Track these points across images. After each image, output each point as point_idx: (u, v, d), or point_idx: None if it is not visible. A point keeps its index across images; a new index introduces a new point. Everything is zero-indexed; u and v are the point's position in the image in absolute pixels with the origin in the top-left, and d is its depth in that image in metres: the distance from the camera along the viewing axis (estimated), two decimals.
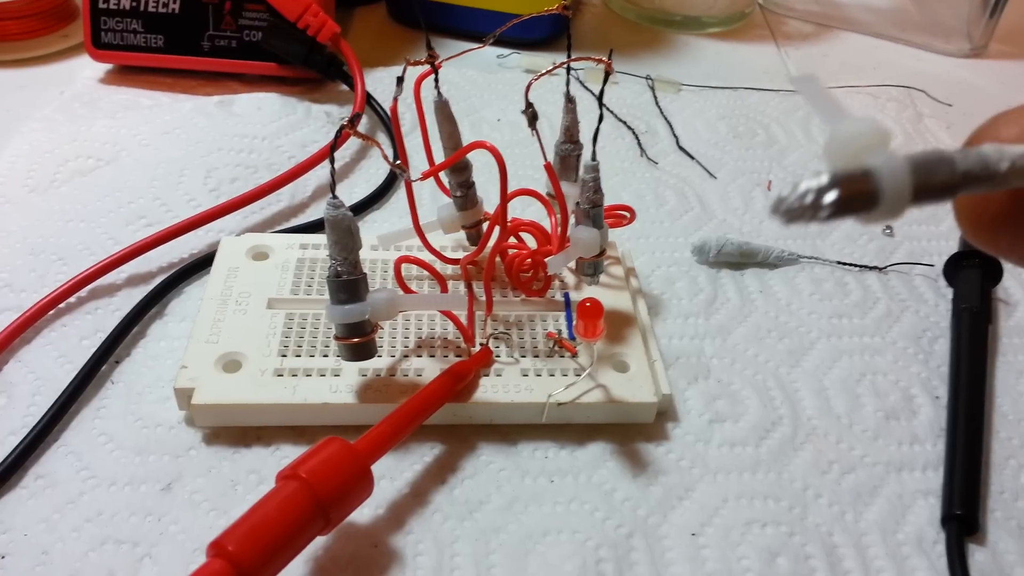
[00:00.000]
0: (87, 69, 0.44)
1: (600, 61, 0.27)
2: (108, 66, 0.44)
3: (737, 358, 0.31)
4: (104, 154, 0.38)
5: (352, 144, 0.41)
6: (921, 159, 0.14)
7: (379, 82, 0.45)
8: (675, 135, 0.44)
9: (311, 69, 0.42)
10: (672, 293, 0.34)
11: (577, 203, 0.28)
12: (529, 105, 0.27)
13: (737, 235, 0.38)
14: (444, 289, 0.28)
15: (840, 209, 0.13)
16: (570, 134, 0.31)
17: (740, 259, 0.36)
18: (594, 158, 0.28)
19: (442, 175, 0.31)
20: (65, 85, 0.43)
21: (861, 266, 0.36)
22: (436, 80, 0.28)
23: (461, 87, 0.46)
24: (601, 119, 0.27)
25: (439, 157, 0.30)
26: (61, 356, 0.29)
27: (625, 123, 0.45)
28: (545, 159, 0.27)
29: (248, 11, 0.42)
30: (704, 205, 0.39)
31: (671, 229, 0.38)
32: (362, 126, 0.41)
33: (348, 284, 0.25)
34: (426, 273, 0.30)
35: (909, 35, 0.56)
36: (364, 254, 0.32)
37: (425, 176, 0.28)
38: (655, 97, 0.47)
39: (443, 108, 0.28)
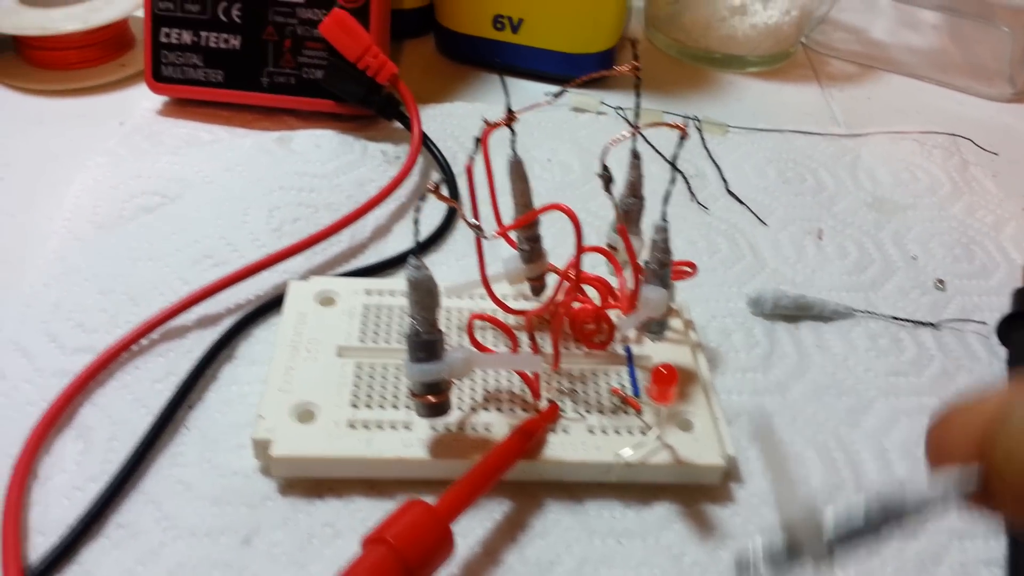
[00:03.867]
0: (145, 100, 0.45)
1: (677, 127, 0.27)
2: (165, 97, 0.45)
3: (797, 416, 0.32)
4: (169, 191, 0.38)
5: (408, 184, 0.41)
6: (844, 532, 0.17)
7: (431, 119, 0.46)
8: (724, 179, 0.44)
9: (369, 108, 0.42)
10: (729, 345, 0.34)
11: (645, 262, 0.29)
12: (605, 169, 0.27)
13: (790, 285, 0.38)
14: (515, 346, 0.28)
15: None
16: (634, 189, 0.32)
17: (796, 312, 0.36)
18: (664, 219, 0.28)
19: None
20: (124, 115, 0.44)
21: (915, 322, 0.37)
22: (513, 140, 0.29)
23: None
24: (674, 182, 0.28)
25: (502, 204, 0.30)
26: (135, 400, 0.30)
27: (674, 165, 0.45)
28: (620, 222, 0.27)
29: (308, 49, 0.43)
30: (756, 253, 0.40)
31: (725, 278, 0.38)
32: (418, 164, 0.42)
33: (427, 344, 0.25)
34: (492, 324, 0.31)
35: (951, 78, 0.56)
36: None
37: (500, 234, 0.29)
38: (703, 139, 0.47)
39: (517, 167, 0.29)
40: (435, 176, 0.42)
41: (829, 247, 0.40)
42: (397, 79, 0.42)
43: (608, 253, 0.30)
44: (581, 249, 0.27)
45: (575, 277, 0.28)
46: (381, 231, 0.39)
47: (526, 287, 0.32)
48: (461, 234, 0.39)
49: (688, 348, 0.32)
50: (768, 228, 0.41)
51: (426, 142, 0.42)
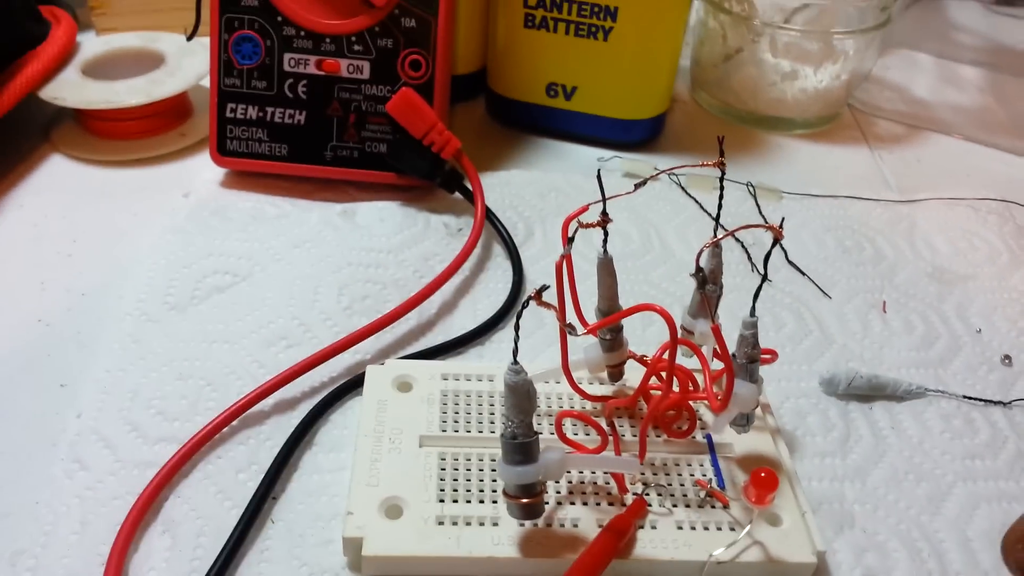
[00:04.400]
0: (207, 170, 0.45)
1: (772, 228, 0.27)
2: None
3: (879, 504, 0.32)
4: (239, 269, 0.39)
5: (473, 258, 0.41)
6: None
7: (489, 189, 0.46)
8: (783, 248, 0.45)
9: (432, 182, 0.43)
10: (805, 429, 0.34)
11: (732, 355, 0.29)
12: (699, 270, 0.27)
13: (859, 362, 0.38)
14: (605, 441, 0.28)
15: None
16: (714, 276, 0.32)
17: (869, 392, 0.36)
18: (753, 314, 0.28)
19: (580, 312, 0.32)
20: (186, 186, 0.45)
21: (986, 400, 0.36)
22: (605, 240, 0.29)
23: (567, 193, 0.47)
24: (759, 290, 0.28)
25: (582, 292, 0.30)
26: (220, 492, 0.30)
27: (732, 234, 0.45)
28: (714, 321, 0.27)
29: (371, 124, 0.43)
30: (822, 328, 0.40)
31: (793, 355, 0.38)
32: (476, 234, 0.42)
33: (524, 447, 0.25)
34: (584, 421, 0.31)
35: (996, 138, 0.56)
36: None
37: (589, 331, 0.29)
38: (758, 205, 0.48)
39: (607, 265, 0.29)
40: (497, 250, 0.43)
41: (895, 321, 0.40)
42: (461, 154, 0.43)
43: (696, 348, 0.30)
44: (674, 349, 0.27)
45: (667, 376, 0.28)
46: (447, 307, 0.39)
47: (604, 372, 0.32)
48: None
49: (768, 435, 0.32)
50: (832, 301, 0.41)
51: (489, 216, 0.43)
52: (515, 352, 0.25)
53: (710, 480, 0.30)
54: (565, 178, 0.48)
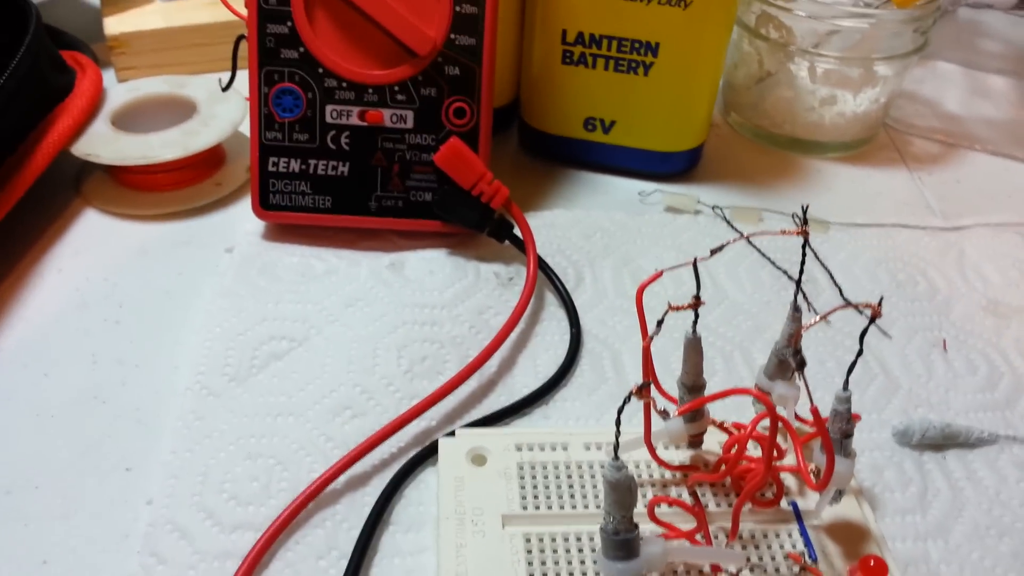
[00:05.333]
0: (247, 222, 0.44)
1: (869, 306, 0.27)
2: None
3: (964, 564, 0.31)
4: (295, 334, 0.38)
5: (529, 311, 0.41)
6: None
7: (533, 231, 0.45)
8: (837, 285, 0.44)
9: (482, 232, 0.42)
10: (883, 485, 0.34)
11: (827, 428, 0.28)
12: (798, 352, 0.27)
13: (927, 407, 0.37)
14: (702, 524, 0.28)
15: None
16: (795, 341, 0.31)
17: (942, 441, 0.35)
18: (846, 388, 0.28)
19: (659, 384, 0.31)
20: (228, 240, 0.44)
21: None
22: (695, 321, 0.28)
23: (611, 232, 0.46)
24: (854, 364, 0.27)
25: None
26: None
27: (784, 271, 0.45)
28: (812, 403, 0.27)
29: (416, 173, 0.42)
30: (887, 371, 0.39)
31: (863, 403, 0.37)
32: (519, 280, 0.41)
33: (626, 543, 0.25)
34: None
35: None
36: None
37: (681, 413, 0.28)
38: (806, 239, 0.47)
39: (695, 344, 0.28)
40: (550, 299, 0.42)
41: (956, 361, 0.40)
42: (510, 203, 0.42)
43: (791, 429, 0.29)
44: (774, 434, 0.26)
45: (764, 454, 0.27)
46: (506, 364, 0.38)
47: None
48: (588, 365, 0.38)
49: (852, 497, 0.31)
50: (893, 341, 0.41)
51: (539, 264, 0.42)
52: (616, 448, 0.24)
53: (802, 553, 0.29)
54: (608, 216, 0.47)
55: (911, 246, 0.47)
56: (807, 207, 0.29)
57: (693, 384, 0.29)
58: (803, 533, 0.30)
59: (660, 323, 0.27)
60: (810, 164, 0.54)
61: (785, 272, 0.45)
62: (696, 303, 0.27)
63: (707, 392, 0.30)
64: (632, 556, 0.25)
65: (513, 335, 0.39)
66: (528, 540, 0.29)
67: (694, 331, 0.28)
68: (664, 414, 0.26)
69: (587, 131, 0.50)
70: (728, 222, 0.48)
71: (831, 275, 0.45)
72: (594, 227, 0.47)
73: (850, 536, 0.30)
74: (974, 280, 0.45)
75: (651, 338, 0.27)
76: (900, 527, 0.32)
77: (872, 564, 0.26)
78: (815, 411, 0.26)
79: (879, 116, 0.55)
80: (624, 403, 0.24)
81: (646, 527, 0.27)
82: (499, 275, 0.42)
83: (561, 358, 0.38)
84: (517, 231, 0.42)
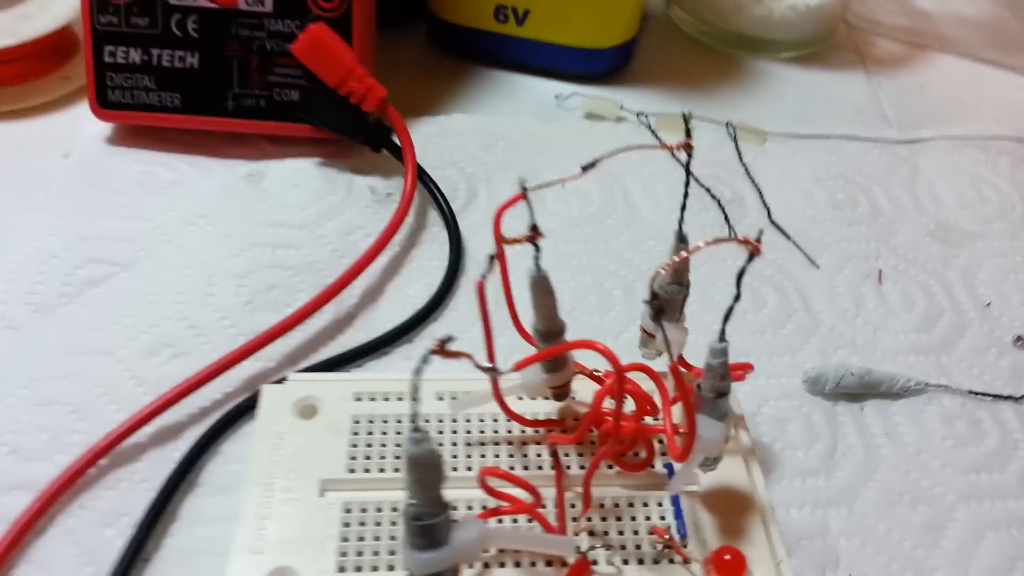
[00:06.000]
0: (92, 124, 0.38)
1: (748, 242, 0.21)
2: None
3: (868, 537, 0.27)
4: (120, 256, 0.32)
5: (405, 230, 0.35)
6: None
7: (425, 140, 0.39)
8: (766, 205, 0.39)
9: (353, 139, 0.36)
10: (785, 442, 0.29)
11: (697, 385, 0.23)
12: (654, 297, 0.21)
13: (850, 348, 0.33)
14: (538, 501, 0.23)
15: None
16: (679, 276, 0.26)
17: (860, 390, 0.31)
18: (723, 338, 0.23)
19: (525, 324, 0.26)
20: (68, 143, 0.38)
21: (994, 396, 0.31)
22: (537, 257, 0.23)
23: (518, 143, 0.40)
24: (731, 311, 0.22)
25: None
26: (82, 554, 0.25)
27: (708, 190, 0.39)
28: (672, 359, 0.22)
29: (279, 67, 0.36)
30: (808, 306, 0.34)
31: (774, 343, 0.33)
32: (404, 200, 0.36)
33: (430, 529, 0.20)
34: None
35: (1011, 57, 0.50)
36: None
37: (518, 368, 0.23)
38: (738, 151, 0.41)
39: (541, 283, 0.23)
40: (433, 217, 0.36)
41: (892, 294, 0.35)
42: (386, 104, 0.36)
43: (656, 376, 0.24)
44: (620, 396, 0.21)
45: (615, 418, 0.22)
46: (371, 294, 0.33)
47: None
48: (467, 296, 0.33)
49: (740, 458, 0.27)
50: (820, 271, 0.36)
51: (422, 177, 0.36)
52: (414, 416, 0.19)
53: (668, 528, 0.25)
54: (516, 123, 0.41)
55: (858, 161, 0.41)
56: (689, 114, 0.24)
57: (547, 330, 0.24)
58: (675, 503, 0.26)
59: (493, 258, 0.22)
60: (756, 66, 0.48)
61: (708, 191, 0.39)
62: (534, 236, 0.22)
63: (569, 336, 0.25)
64: (438, 544, 0.20)
65: (382, 260, 0.34)
66: (348, 510, 0.25)
67: (537, 268, 0.23)
68: (492, 371, 0.21)
69: (498, 22, 0.44)
70: (653, 131, 0.42)
71: (760, 194, 0.39)
72: (497, 135, 0.41)
73: (732, 505, 0.26)
74: (924, 201, 0.40)
75: (483, 277, 0.22)
76: (799, 492, 0.28)
77: (727, 559, 0.21)
78: (674, 368, 0.21)
79: (837, 11, 0.48)
80: (423, 361, 0.19)
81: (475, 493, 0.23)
82: (375, 190, 0.37)
83: (437, 288, 0.33)
84: (397, 138, 0.37)
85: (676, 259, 0.22)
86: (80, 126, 0.38)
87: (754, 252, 0.21)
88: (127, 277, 0.32)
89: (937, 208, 0.39)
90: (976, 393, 0.31)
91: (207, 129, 0.37)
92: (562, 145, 0.41)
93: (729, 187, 0.39)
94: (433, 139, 0.40)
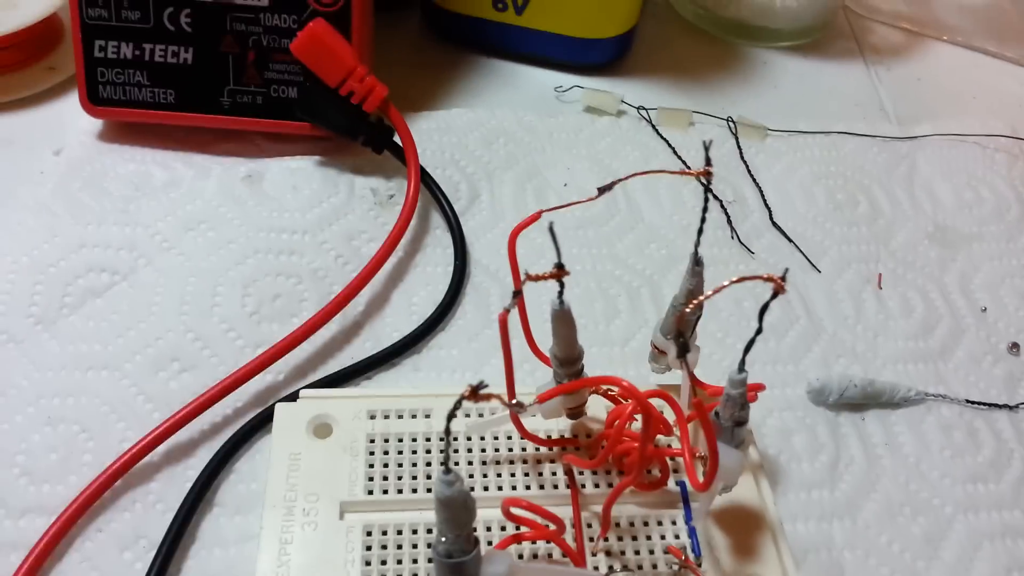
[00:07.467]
0: (81, 118, 0.37)
1: (773, 281, 0.21)
2: None
3: (871, 549, 0.28)
4: (119, 265, 0.32)
5: (406, 236, 0.35)
6: None
7: (425, 137, 0.39)
8: (768, 206, 0.39)
9: (354, 139, 0.35)
10: (790, 453, 0.30)
11: (715, 412, 0.24)
12: (680, 335, 0.21)
13: (851, 356, 0.33)
14: (561, 529, 0.24)
15: None
16: (692, 297, 0.26)
17: (862, 400, 0.31)
18: (742, 369, 0.23)
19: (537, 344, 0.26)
20: (57, 140, 0.37)
21: (990, 404, 0.32)
22: (560, 292, 0.23)
23: (519, 138, 0.40)
24: (752, 343, 0.22)
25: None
26: None
27: (710, 189, 0.39)
28: (694, 394, 0.22)
29: (276, 63, 0.35)
30: (810, 313, 0.35)
31: (778, 353, 0.33)
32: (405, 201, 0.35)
33: (461, 567, 0.20)
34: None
35: (1010, 48, 0.50)
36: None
37: (542, 400, 0.23)
38: (739, 148, 0.41)
39: (563, 317, 0.23)
40: (435, 219, 0.36)
41: (891, 300, 0.35)
42: (388, 104, 0.35)
43: (673, 402, 0.25)
44: (647, 435, 0.22)
45: (638, 470, 0.23)
46: (376, 303, 0.33)
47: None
48: (472, 304, 0.33)
49: (750, 474, 0.27)
50: (821, 275, 0.36)
51: (425, 179, 0.36)
52: (446, 460, 0.20)
53: (684, 548, 0.25)
54: (516, 118, 0.41)
55: (858, 159, 0.41)
56: (709, 143, 0.23)
57: (566, 357, 0.24)
58: (688, 520, 0.26)
59: (516, 295, 0.22)
60: (756, 56, 0.48)
61: (710, 190, 0.39)
62: (559, 273, 0.21)
63: (587, 354, 0.25)
64: None
65: (387, 267, 0.34)
66: (369, 533, 0.25)
67: (561, 302, 0.23)
68: (519, 407, 0.22)
69: (497, 10, 0.43)
70: (654, 127, 0.42)
71: (762, 194, 0.39)
72: (498, 131, 0.40)
73: (743, 523, 0.26)
74: (923, 201, 0.40)
75: (507, 311, 0.22)
76: (804, 505, 0.29)
77: None
78: (698, 403, 0.22)
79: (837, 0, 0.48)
80: (454, 409, 0.19)
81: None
82: (377, 192, 0.36)
83: (443, 295, 0.33)
84: (399, 139, 0.36)
85: (703, 297, 0.22)
86: (69, 121, 0.37)
87: (779, 291, 0.21)
88: (128, 287, 0.31)
89: (935, 209, 0.40)
90: (973, 402, 0.32)
91: (202, 126, 0.36)
92: (563, 141, 0.40)
93: (731, 186, 0.39)
94: (432, 136, 0.39)
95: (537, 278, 0.21)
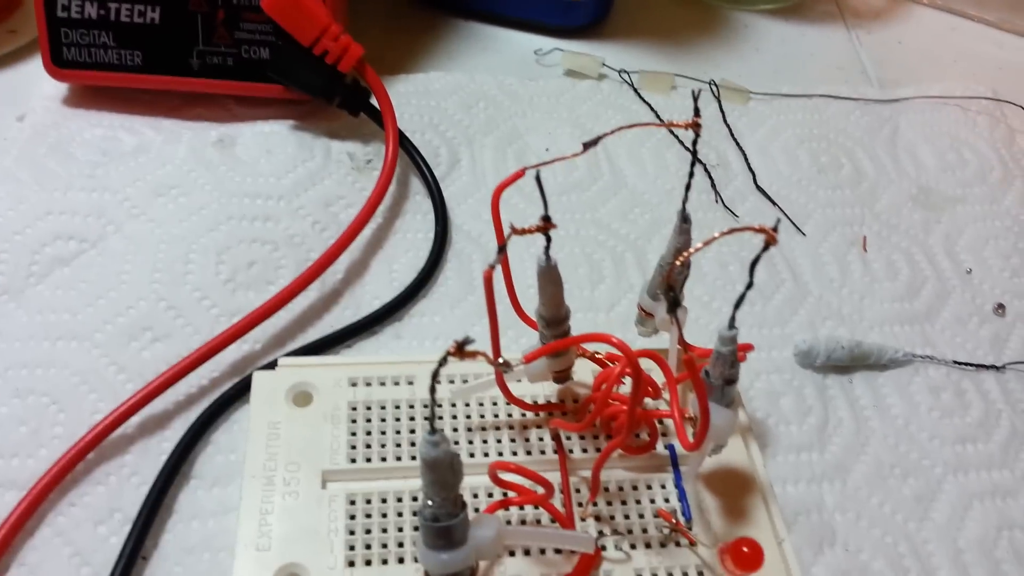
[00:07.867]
0: (46, 83, 0.36)
1: (764, 231, 0.21)
2: None
3: (862, 511, 0.28)
4: (88, 232, 0.31)
5: (385, 201, 0.34)
6: None
7: (403, 100, 0.38)
8: (751, 170, 0.38)
9: (329, 101, 0.34)
10: (779, 416, 0.30)
11: (705, 371, 0.23)
12: (671, 288, 0.21)
13: (837, 319, 0.33)
14: (550, 493, 0.23)
15: None
16: (667, 275, 0.25)
17: (849, 363, 0.31)
18: (733, 325, 0.22)
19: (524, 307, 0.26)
20: (20, 105, 0.35)
21: (977, 365, 0.32)
22: (547, 247, 0.22)
23: (499, 102, 0.39)
24: (742, 298, 0.21)
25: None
26: (76, 555, 0.24)
27: (695, 154, 0.39)
28: (685, 351, 0.21)
29: (247, 22, 0.34)
30: (796, 276, 0.34)
31: (764, 315, 0.33)
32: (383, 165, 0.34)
33: (448, 530, 0.20)
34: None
35: (988, 10, 0.49)
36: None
37: (528, 360, 0.23)
38: (722, 111, 0.41)
39: (550, 273, 0.22)
40: (416, 185, 0.35)
41: (876, 262, 0.35)
42: (364, 65, 0.34)
43: (663, 362, 0.24)
44: (637, 401, 0.21)
45: (627, 430, 0.22)
46: (356, 269, 0.32)
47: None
48: (455, 270, 0.32)
49: (739, 437, 0.27)
50: (806, 238, 0.36)
51: (403, 143, 0.35)
52: (432, 419, 0.19)
53: (674, 511, 0.25)
54: (496, 82, 0.40)
55: (841, 121, 0.41)
56: (698, 92, 0.23)
57: (552, 317, 0.24)
58: (678, 484, 0.26)
59: (501, 250, 0.21)
60: (737, 19, 0.47)
61: (701, 162, 0.38)
62: (546, 226, 0.21)
63: (572, 320, 0.25)
64: (457, 544, 0.20)
65: (366, 233, 0.33)
66: (353, 502, 0.24)
67: (547, 257, 0.22)
68: (505, 366, 0.21)
69: None
70: (636, 90, 0.41)
71: (746, 158, 0.39)
72: (477, 94, 0.39)
73: (733, 486, 0.26)
74: (906, 163, 0.40)
75: (491, 268, 0.21)
76: (793, 468, 0.28)
77: (745, 551, 0.21)
78: (688, 360, 0.21)
79: None
80: (439, 366, 0.18)
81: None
82: (354, 156, 0.35)
83: (423, 262, 0.32)
84: (376, 101, 0.35)
85: (693, 250, 0.22)
86: (33, 86, 0.36)
87: (770, 241, 0.21)
88: (97, 255, 0.30)
89: (918, 171, 0.39)
90: (960, 363, 0.32)
91: (171, 89, 0.35)
92: (544, 105, 0.39)
93: (714, 150, 0.39)
94: (411, 100, 0.38)
95: (523, 231, 0.21)
